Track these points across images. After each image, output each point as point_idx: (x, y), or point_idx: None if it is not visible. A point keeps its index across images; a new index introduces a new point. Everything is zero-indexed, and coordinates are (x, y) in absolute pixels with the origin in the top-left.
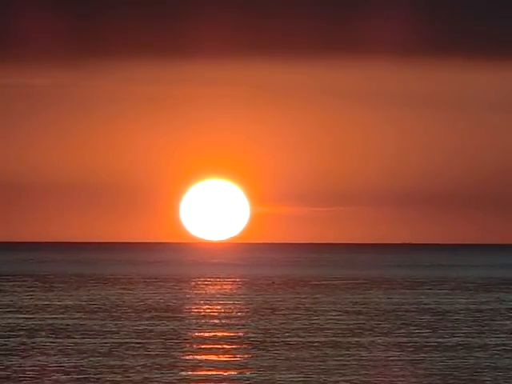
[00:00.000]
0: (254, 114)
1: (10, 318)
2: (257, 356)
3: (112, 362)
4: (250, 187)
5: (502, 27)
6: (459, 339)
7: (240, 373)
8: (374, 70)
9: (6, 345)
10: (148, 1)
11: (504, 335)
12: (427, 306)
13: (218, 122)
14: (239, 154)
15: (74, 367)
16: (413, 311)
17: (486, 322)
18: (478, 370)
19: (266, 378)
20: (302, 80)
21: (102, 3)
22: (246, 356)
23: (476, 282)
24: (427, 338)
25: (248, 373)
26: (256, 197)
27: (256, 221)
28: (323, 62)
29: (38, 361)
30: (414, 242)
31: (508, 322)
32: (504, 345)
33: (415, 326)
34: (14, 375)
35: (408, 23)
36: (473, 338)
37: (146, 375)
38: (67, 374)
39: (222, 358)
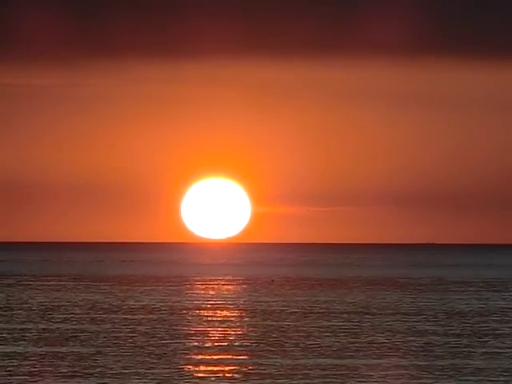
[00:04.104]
0: (255, 113)
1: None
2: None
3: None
4: (252, 187)
5: (496, 28)
6: None
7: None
8: (373, 70)
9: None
10: (148, 1)
11: None
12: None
13: (219, 122)
14: (240, 154)
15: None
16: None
17: None
18: None
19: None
20: (302, 80)
21: (102, 4)
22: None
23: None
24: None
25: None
26: (257, 196)
27: (257, 220)
28: (323, 63)
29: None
30: (434, 242)
31: None
32: None
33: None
34: None
35: (406, 24)
36: None
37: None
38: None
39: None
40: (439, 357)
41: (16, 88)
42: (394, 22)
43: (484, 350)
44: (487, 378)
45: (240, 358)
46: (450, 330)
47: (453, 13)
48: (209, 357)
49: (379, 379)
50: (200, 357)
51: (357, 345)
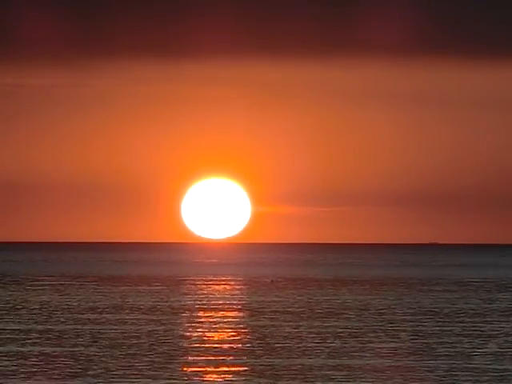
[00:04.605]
0: (256, 113)
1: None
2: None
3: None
4: (252, 187)
5: (496, 27)
6: None
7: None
8: (373, 70)
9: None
10: (148, 1)
11: None
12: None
13: (219, 122)
14: (240, 154)
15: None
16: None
17: None
18: None
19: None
20: (302, 80)
21: (102, 4)
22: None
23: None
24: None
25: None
26: (257, 196)
27: (257, 220)
28: (323, 63)
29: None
30: (437, 242)
31: None
32: None
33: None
34: None
35: (406, 24)
36: None
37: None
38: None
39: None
40: (439, 357)
41: (16, 88)
42: (393, 22)
43: (484, 351)
44: (488, 380)
45: (240, 358)
46: (450, 330)
47: (453, 12)
48: (208, 357)
49: (379, 379)
50: (199, 357)
51: (357, 345)
